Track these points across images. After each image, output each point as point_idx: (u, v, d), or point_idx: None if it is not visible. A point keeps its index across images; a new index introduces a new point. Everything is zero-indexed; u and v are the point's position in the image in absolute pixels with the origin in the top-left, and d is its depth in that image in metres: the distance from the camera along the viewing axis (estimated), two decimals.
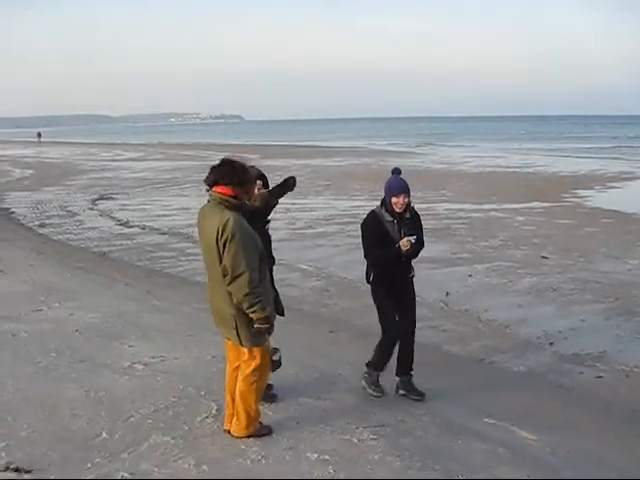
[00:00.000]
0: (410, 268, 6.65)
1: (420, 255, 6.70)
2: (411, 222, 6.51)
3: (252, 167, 5.95)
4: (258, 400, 5.40)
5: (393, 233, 6.43)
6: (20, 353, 7.30)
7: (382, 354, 6.68)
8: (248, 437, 5.32)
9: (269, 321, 5.10)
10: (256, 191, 5.85)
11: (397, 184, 6.49)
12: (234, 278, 4.96)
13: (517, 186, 27.54)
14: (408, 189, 6.47)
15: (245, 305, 5.00)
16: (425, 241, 6.68)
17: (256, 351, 5.24)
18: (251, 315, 5.03)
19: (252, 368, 5.27)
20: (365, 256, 6.66)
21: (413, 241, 6.32)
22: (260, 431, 5.39)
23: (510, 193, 25.03)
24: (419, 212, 6.79)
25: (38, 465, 4.83)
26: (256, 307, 4.99)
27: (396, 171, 6.59)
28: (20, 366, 6.90)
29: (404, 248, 6.32)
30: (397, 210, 6.45)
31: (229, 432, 5.43)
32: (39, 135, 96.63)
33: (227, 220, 4.93)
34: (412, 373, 6.72)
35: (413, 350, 6.73)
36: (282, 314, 5.77)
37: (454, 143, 72.51)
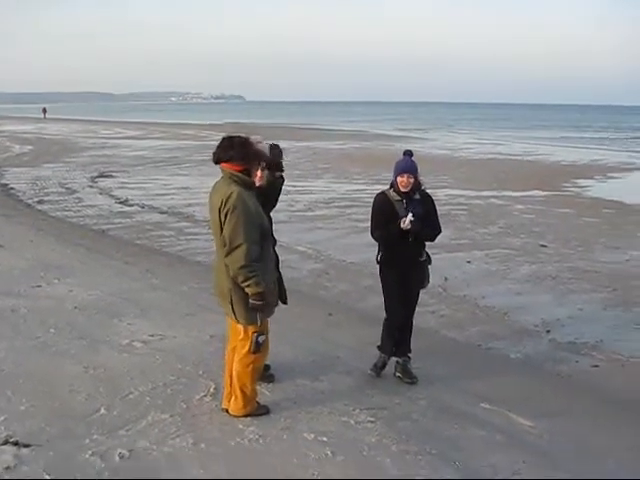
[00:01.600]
0: (421, 252, 6.65)
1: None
2: (420, 203, 6.52)
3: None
4: (254, 380, 5.42)
5: (401, 212, 6.43)
6: (20, 328, 7.32)
7: (384, 337, 6.77)
8: (246, 416, 5.35)
9: (264, 298, 5.06)
10: (259, 172, 5.82)
11: (402, 164, 6.53)
12: (231, 250, 4.97)
13: (518, 174, 27.52)
14: (413, 169, 6.48)
15: (240, 278, 4.99)
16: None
17: (251, 330, 5.25)
18: (246, 290, 5.03)
19: (247, 349, 5.28)
20: (371, 234, 6.71)
21: (411, 219, 6.33)
22: (258, 411, 5.42)
23: (510, 181, 25.03)
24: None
25: (36, 440, 4.85)
26: (250, 281, 4.97)
27: (407, 153, 6.62)
28: (20, 341, 6.92)
29: (403, 225, 6.34)
30: (402, 189, 6.47)
31: (227, 411, 5.46)
32: (44, 111, 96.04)
33: (231, 193, 4.96)
34: (410, 356, 6.76)
35: (411, 333, 6.78)
36: (284, 302, 5.76)
37: (456, 129, 72.35)
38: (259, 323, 5.21)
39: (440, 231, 6.74)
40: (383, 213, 6.54)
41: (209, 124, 73.40)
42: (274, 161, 5.83)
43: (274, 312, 5.44)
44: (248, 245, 4.93)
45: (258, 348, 5.27)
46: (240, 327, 5.28)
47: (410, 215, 6.35)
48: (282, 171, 5.93)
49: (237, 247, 4.94)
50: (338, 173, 27.15)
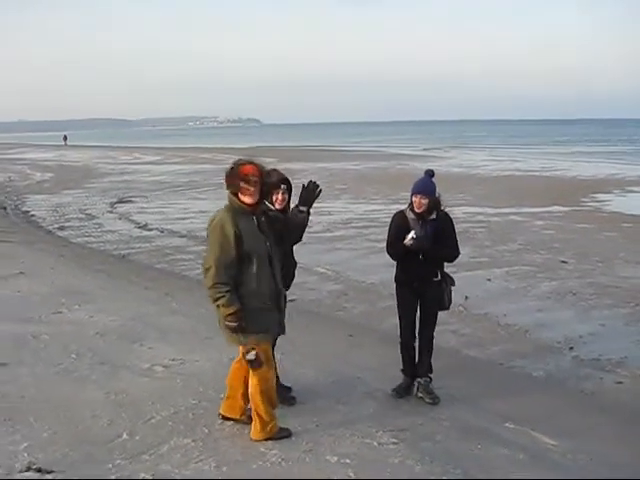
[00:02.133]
0: (434, 272, 6.63)
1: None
2: (436, 223, 6.50)
3: (274, 170, 5.92)
4: (267, 403, 5.40)
5: (417, 231, 6.42)
6: (41, 355, 7.35)
7: (403, 359, 6.81)
8: (266, 440, 5.33)
9: (237, 319, 5.12)
10: (280, 196, 5.85)
11: (417, 184, 6.54)
12: (204, 271, 5.18)
13: (536, 190, 27.40)
14: (428, 191, 6.46)
15: (211, 299, 5.16)
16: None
17: (241, 350, 5.34)
18: (221, 310, 5.15)
19: (251, 370, 5.36)
20: (386, 250, 6.78)
21: (413, 236, 6.34)
22: (278, 434, 5.40)
23: (529, 197, 24.91)
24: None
25: (60, 466, 4.86)
26: (218, 302, 5.12)
27: (428, 172, 6.61)
28: (41, 367, 6.94)
29: (405, 242, 6.36)
30: (415, 209, 6.46)
31: (222, 417, 5.69)
32: (65, 138, 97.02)
33: (214, 217, 5.20)
34: (431, 376, 6.73)
35: (431, 353, 6.76)
36: (282, 332, 5.59)
37: (473, 146, 72.27)
38: (244, 343, 5.25)
39: (458, 253, 6.70)
40: (398, 231, 6.56)
41: (226, 148, 73.78)
42: (305, 198, 5.69)
43: (273, 338, 5.49)
44: (216, 268, 5.08)
45: (252, 364, 5.31)
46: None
47: (412, 233, 6.35)
48: (309, 207, 5.73)
49: (207, 269, 5.14)
50: (355, 194, 27.19)
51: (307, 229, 5.77)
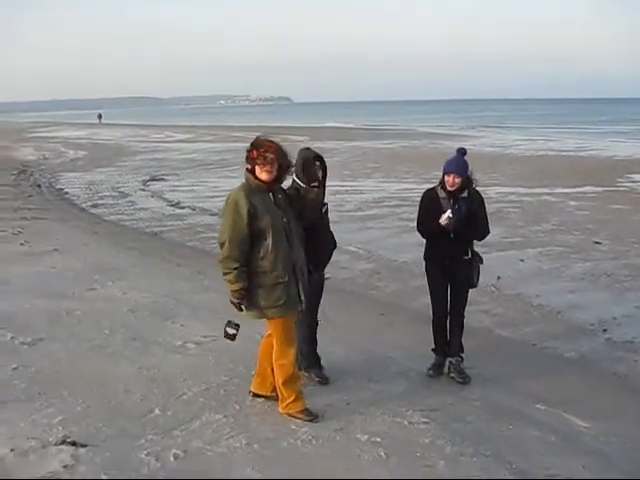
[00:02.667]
0: (465, 250, 6.59)
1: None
2: (468, 202, 6.44)
3: (308, 149, 5.91)
4: (283, 376, 5.41)
5: (452, 211, 6.37)
6: (74, 331, 7.43)
7: (435, 337, 6.78)
8: (289, 415, 5.37)
9: (238, 297, 5.23)
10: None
11: (450, 163, 6.49)
12: (220, 246, 5.30)
13: (570, 170, 27.01)
14: (461, 170, 6.41)
15: (222, 272, 5.25)
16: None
17: (268, 323, 5.47)
18: (227, 286, 5.27)
19: (272, 342, 5.47)
20: (417, 227, 6.75)
21: (450, 215, 6.29)
22: (300, 414, 5.38)
23: (563, 177, 24.56)
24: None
25: (93, 440, 4.92)
26: (225, 277, 5.24)
27: (460, 151, 6.54)
28: (74, 343, 7.02)
29: (441, 221, 6.32)
30: (448, 188, 6.42)
31: (253, 394, 5.73)
32: (100, 117, 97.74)
33: (230, 194, 5.31)
34: (462, 356, 6.71)
35: (461, 332, 6.73)
36: (301, 307, 5.51)
37: (506, 125, 71.47)
38: (261, 317, 5.41)
39: (488, 232, 6.66)
40: (428, 209, 6.54)
41: (258, 126, 73.76)
42: (309, 174, 5.71)
43: (292, 313, 5.42)
44: (229, 243, 5.19)
45: (227, 336, 5.59)
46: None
47: (449, 212, 6.31)
48: (318, 181, 5.76)
49: (221, 244, 5.26)
50: (387, 172, 27.05)
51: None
